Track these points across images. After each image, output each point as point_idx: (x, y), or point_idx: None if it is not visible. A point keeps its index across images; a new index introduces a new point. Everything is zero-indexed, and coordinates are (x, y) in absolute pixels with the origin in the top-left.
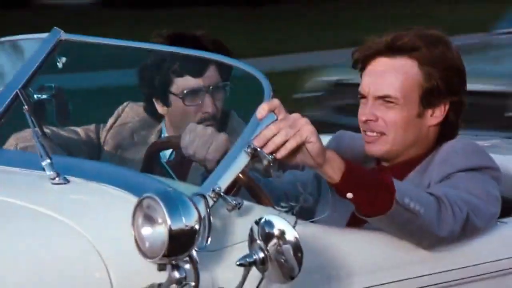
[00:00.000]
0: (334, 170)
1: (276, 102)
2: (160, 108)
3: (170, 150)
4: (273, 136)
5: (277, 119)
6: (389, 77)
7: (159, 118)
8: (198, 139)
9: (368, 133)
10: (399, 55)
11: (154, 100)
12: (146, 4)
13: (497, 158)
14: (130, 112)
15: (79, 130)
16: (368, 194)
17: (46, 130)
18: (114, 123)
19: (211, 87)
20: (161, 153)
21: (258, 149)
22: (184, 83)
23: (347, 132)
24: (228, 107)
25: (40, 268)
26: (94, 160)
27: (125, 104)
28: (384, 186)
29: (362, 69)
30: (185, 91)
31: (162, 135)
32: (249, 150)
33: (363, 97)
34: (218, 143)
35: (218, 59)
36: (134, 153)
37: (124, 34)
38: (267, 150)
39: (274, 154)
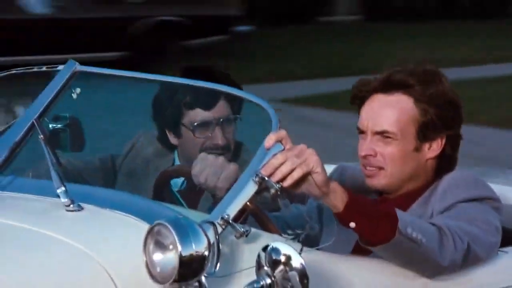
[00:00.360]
0: (337, 200)
1: (283, 133)
2: (172, 139)
3: (182, 179)
4: (280, 165)
5: (284, 149)
6: (385, 113)
7: (171, 148)
8: (209, 168)
9: (368, 168)
10: (395, 92)
11: (166, 131)
12: (409, 17)
13: (497, 188)
14: (145, 141)
15: (95, 159)
16: (371, 223)
17: (62, 161)
18: (129, 152)
19: (221, 120)
20: (173, 182)
21: (266, 178)
22: (194, 115)
23: (349, 165)
24: (240, 138)
25: None
26: (109, 188)
27: (139, 133)
28: (387, 215)
29: (360, 106)
30: (195, 124)
31: (175, 164)
32: (257, 179)
33: (362, 132)
34: (229, 173)
35: (227, 91)
36: (148, 181)
37: (384, 47)
38: (274, 178)
39: (281, 183)
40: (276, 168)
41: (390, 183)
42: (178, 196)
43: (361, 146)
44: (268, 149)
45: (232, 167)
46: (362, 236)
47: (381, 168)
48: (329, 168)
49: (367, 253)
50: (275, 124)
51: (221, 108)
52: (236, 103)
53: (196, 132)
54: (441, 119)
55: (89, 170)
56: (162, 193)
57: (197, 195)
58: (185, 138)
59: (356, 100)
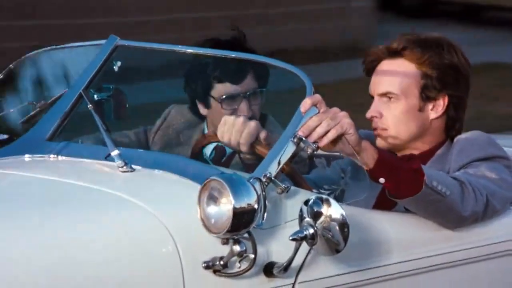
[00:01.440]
0: (368, 158)
1: (318, 97)
2: (202, 109)
3: (211, 150)
4: (316, 127)
5: (319, 112)
6: (389, 76)
7: (201, 118)
8: (232, 127)
9: (375, 129)
10: (399, 57)
11: (197, 101)
12: None
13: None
14: (176, 114)
15: (129, 133)
16: (399, 178)
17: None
18: (161, 125)
19: (248, 93)
20: (204, 153)
21: (303, 138)
22: (223, 88)
23: (365, 131)
24: (274, 105)
25: (115, 245)
26: None
27: (171, 106)
28: (414, 171)
29: (370, 73)
30: (223, 96)
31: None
32: (295, 140)
33: (372, 97)
34: (250, 129)
35: (262, 60)
36: (180, 150)
37: None
38: (311, 139)
39: (317, 143)
40: (313, 130)
41: (395, 143)
42: (211, 163)
43: (370, 109)
44: (304, 112)
45: (253, 123)
46: (391, 190)
47: (385, 129)
48: None
49: (387, 208)
50: (310, 89)
51: (249, 82)
52: (262, 77)
53: (223, 104)
54: (442, 80)
55: (124, 143)
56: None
57: (226, 162)
58: (214, 109)
59: (368, 72)
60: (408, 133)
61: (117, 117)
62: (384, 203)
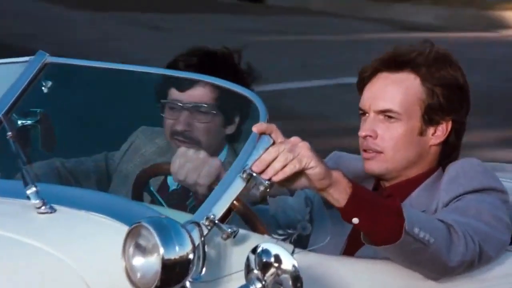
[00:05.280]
0: (340, 193)
1: (273, 126)
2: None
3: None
4: (272, 161)
5: (273, 143)
6: (390, 91)
7: None
8: (189, 163)
9: (367, 151)
10: (401, 70)
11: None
12: None
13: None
14: (143, 137)
15: (87, 160)
16: (376, 221)
17: (57, 163)
18: (127, 149)
19: (188, 105)
20: (169, 182)
21: (254, 175)
22: (169, 94)
23: (343, 153)
24: None
25: None
26: (101, 188)
27: (139, 129)
28: (393, 214)
29: (363, 87)
30: (162, 101)
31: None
32: (244, 175)
33: (364, 113)
34: (211, 168)
35: (213, 82)
36: None
37: None
38: (266, 176)
39: (271, 179)
40: (268, 164)
41: (389, 169)
42: (158, 196)
43: (362, 126)
44: (258, 133)
45: (215, 162)
46: (365, 233)
47: (379, 152)
48: None
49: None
50: (264, 116)
51: (198, 94)
52: (224, 99)
53: (166, 112)
54: (448, 101)
55: (81, 171)
56: (141, 193)
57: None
58: (164, 119)
59: (362, 85)
60: (404, 159)
61: (46, 145)
62: (355, 246)
